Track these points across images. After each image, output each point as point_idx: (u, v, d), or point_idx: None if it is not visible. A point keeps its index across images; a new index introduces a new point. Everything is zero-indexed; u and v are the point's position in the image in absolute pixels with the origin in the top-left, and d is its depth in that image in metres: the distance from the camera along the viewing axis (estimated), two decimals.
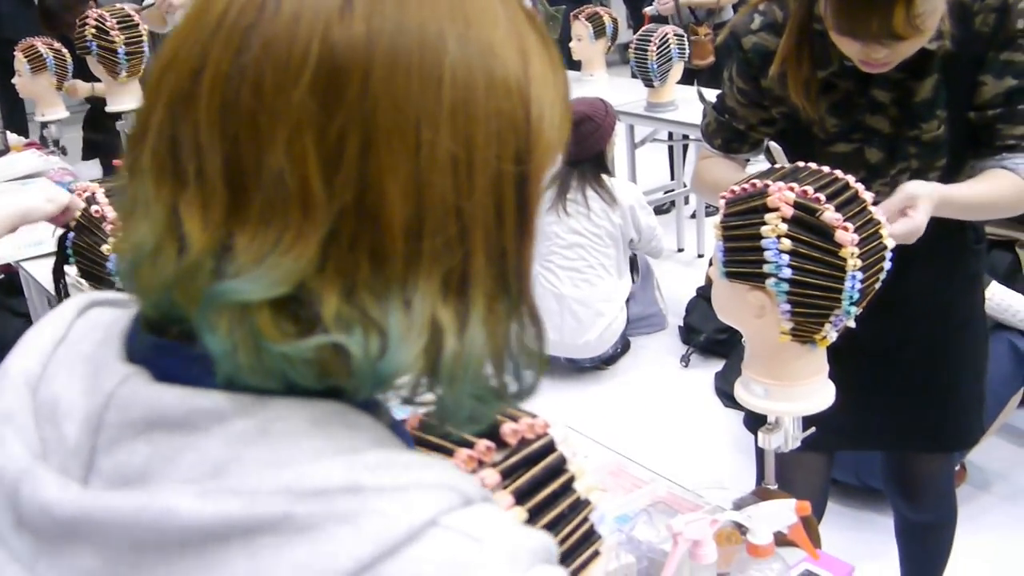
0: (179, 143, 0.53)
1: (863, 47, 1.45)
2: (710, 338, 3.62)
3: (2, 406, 0.58)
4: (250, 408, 0.53)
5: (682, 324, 3.82)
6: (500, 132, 0.54)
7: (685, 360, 3.67)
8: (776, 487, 1.49)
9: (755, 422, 1.59)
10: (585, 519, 0.80)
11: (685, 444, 3.09)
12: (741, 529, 1.31)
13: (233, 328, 0.51)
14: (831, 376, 1.42)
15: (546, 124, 0.56)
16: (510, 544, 0.51)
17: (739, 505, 1.42)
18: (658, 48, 3.98)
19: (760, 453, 1.56)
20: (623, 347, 3.70)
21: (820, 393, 1.41)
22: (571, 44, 4.79)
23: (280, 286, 0.51)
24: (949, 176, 1.58)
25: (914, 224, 1.43)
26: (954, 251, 1.73)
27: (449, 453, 0.80)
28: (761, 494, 1.46)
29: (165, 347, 0.55)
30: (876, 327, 1.44)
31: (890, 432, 1.83)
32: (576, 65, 4.86)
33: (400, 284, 0.52)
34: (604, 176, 3.51)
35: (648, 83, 4.10)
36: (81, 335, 0.61)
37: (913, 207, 1.44)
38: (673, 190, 4.89)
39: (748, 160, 1.83)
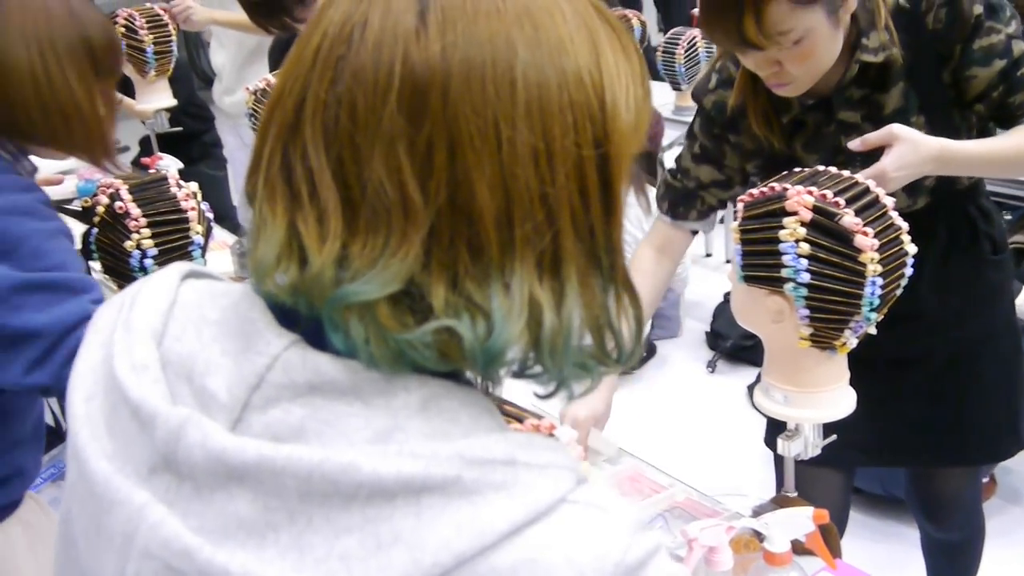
0: (291, 168, 0.60)
1: (751, 60, 1.49)
2: (737, 344, 3.60)
3: (137, 357, 0.63)
4: (410, 385, 0.59)
5: (708, 329, 3.80)
6: (576, 121, 0.59)
7: (711, 366, 3.65)
8: (795, 495, 1.47)
9: (774, 433, 1.57)
10: None
11: (708, 450, 3.07)
12: (759, 537, 1.30)
13: (359, 324, 0.57)
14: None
15: (621, 108, 0.61)
16: (626, 512, 0.59)
17: (758, 513, 1.40)
18: (686, 51, 3.96)
19: (780, 461, 1.55)
20: (648, 351, 3.68)
21: (841, 400, 1.39)
22: None
23: (393, 284, 0.57)
24: (947, 176, 1.57)
25: (878, 168, 1.42)
26: (967, 263, 1.70)
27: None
28: (780, 502, 1.45)
29: (322, 326, 0.60)
30: (894, 338, 1.42)
31: (912, 447, 1.80)
32: None
33: (498, 270, 0.58)
34: (650, 186, 3.47)
35: (676, 86, 4.08)
36: (196, 300, 0.67)
37: (889, 149, 1.44)
38: None
39: (694, 233, 1.84)
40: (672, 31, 4.15)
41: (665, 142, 4.54)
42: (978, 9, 1.50)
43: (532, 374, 0.63)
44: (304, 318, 0.60)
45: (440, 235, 0.58)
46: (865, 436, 1.71)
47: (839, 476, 1.84)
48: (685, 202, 1.79)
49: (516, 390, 1.09)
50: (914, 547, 2.10)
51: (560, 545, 0.56)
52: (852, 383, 1.40)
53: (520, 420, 0.83)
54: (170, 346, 0.65)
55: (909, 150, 1.44)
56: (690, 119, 4.18)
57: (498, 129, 0.58)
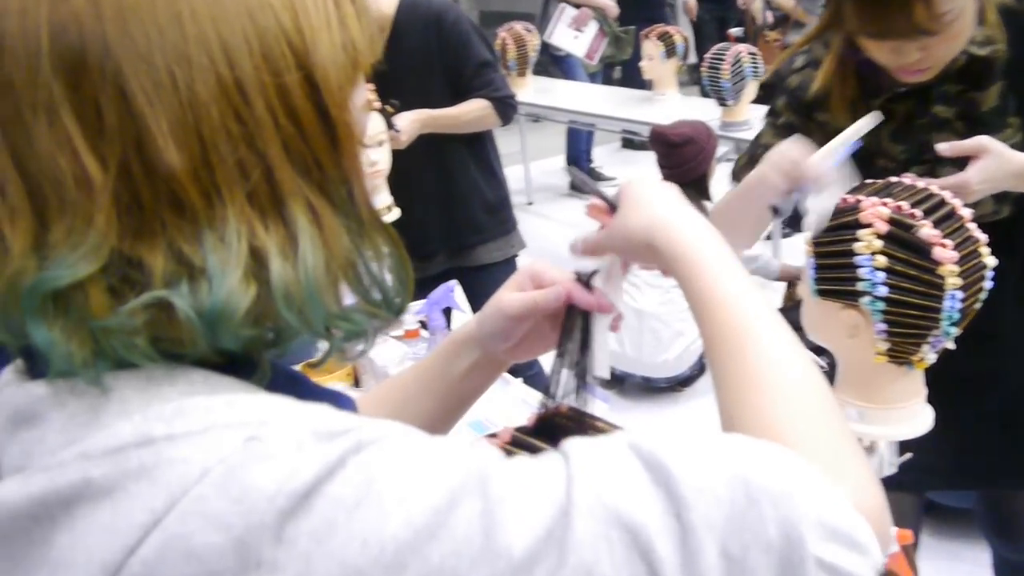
0: None
1: (893, 51, 1.42)
2: None
3: None
4: (81, 388, 0.54)
5: None
6: (265, 46, 0.55)
7: None
8: None
9: None
10: None
11: None
12: None
13: (58, 315, 0.52)
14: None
15: (322, 28, 0.57)
16: (296, 434, 0.52)
17: None
18: (732, 67, 3.93)
19: None
20: (701, 368, 3.64)
21: (917, 417, 1.35)
22: (641, 64, 4.76)
23: (88, 261, 0.52)
24: None
25: (962, 179, 1.38)
26: None
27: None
28: None
29: (28, 351, 0.56)
30: (971, 355, 1.38)
31: (987, 470, 1.74)
32: (647, 84, 4.83)
33: (208, 221, 0.54)
34: (704, 202, 3.43)
35: (722, 102, 4.05)
36: None
37: (976, 160, 1.39)
38: None
39: (775, 212, 1.78)
40: (717, 47, 4.13)
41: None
42: None
43: (287, 337, 0.57)
44: (27, 348, 0.55)
45: (133, 197, 0.53)
46: (938, 458, 1.66)
47: (911, 500, 1.79)
48: None
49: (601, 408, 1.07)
50: (984, 568, 2.05)
51: (201, 505, 0.49)
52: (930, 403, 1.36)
53: (604, 433, 0.81)
54: None
55: (996, 164, 1.41)
56: (738, 134, 4.17)
57: (171, 72, 0.53)
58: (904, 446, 1.39)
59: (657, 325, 3.42)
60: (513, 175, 6.25)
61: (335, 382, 1.94)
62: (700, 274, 0.73)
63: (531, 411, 0.90)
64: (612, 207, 0.86)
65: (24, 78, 0.53)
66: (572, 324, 0.89)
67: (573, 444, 0.58)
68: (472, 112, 2.54)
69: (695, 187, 3.43)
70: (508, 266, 2.76)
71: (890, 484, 1.44)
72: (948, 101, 1.52)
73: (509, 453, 0.82)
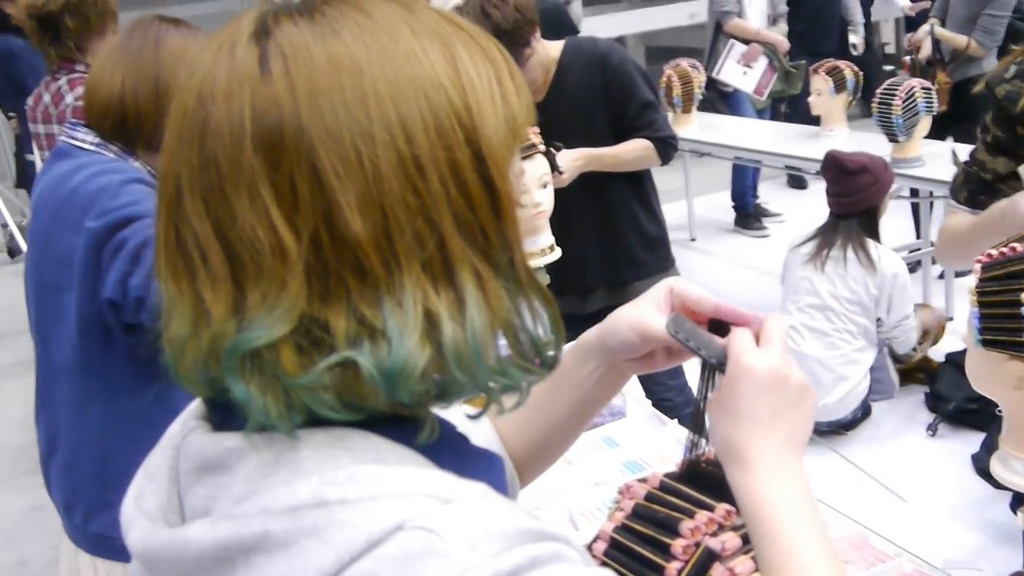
0: (183, 240, 0.61)
1: None
2: (960, 407, 3.40)
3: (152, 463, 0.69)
4: (269, 443, 0.60)
5: (928, 391, 3.61)
6: (441, 125, 0.60)
7: (932, 429, 3.46)
8: None
9: (1019, 502, 1.48)
10: None
11: (932, 519, 2.91)
12: None
13: (254, 373, 0.57)
14: None
15: (487, 106, 0.62)
16: (470, 531, 0.55)
17: None
18: (904, 102, 3.83)
19: None
20: (864, 412, 3.54)
21: None
22: (810, 99, 4.68)
23: (282, 323, 0.58)
24: None
25: None
26: None
27: (689, 515, 0.81)
28: None
29: (217, 404, 0.63)
30: None
31: None
32: (816, 120, 4.75)
33: (388, 288, 0.59)
34: (869, 240, 3.36)
35: (892, 138, 3.95)
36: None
37: None
38: (919, 248, 4.66)
39: None
40: (889, 82, 4.03)
41: None
42: None
43: (452, 392, 0.61)
44: (216, 400, 0.62)
45: (322, 266, 0.58)
46: None
47: None
48: (984, 191, 1.72)
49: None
50: None
51: None
52: None
53: (711, 508, 0.83)
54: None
55: None
56: (908, 171, 4.05)
57: (357, 149, 0.58)
58: None
59: (818, 369, 3.35)
60: (677, 211, 6.27)
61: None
62: (772, 536, 0.74)
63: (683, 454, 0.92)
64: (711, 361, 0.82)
65: (228, 157, 0.59)
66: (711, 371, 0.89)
67: None
68: (633, 151, 2.58)
69: (864, 221, 3.35)
70: None
71: None
72: None
73: (657, 500, 0.85)
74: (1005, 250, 1.27)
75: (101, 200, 1.53)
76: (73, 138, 1.64)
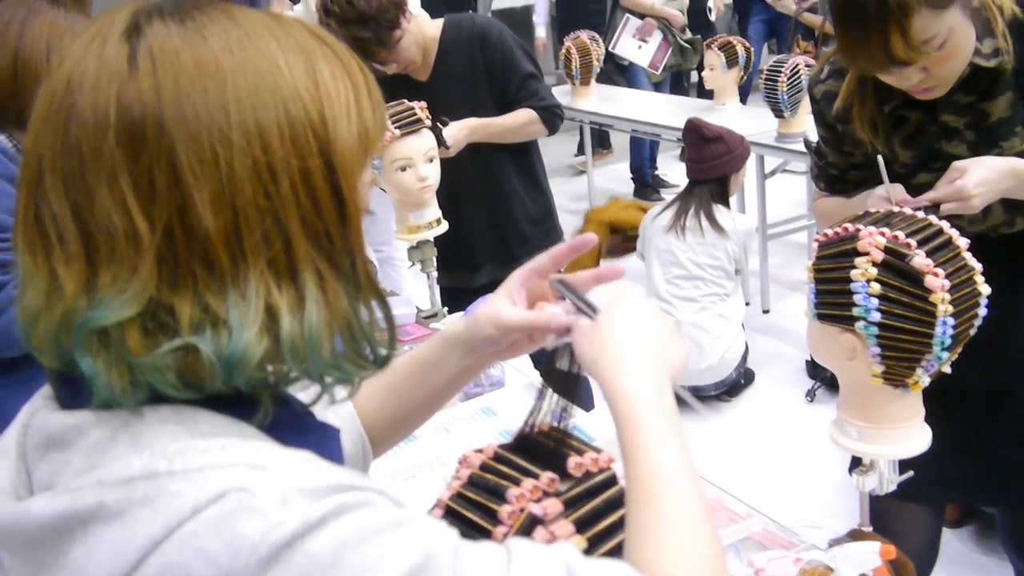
0: (42, 218, 0.65)
1: (896, 75, 1.48)
2: None
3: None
4: (107, 419, 0.63)
5: (809, 358, 3.77)
6: (296, 135, 0.65)
7: (811, 395, 3.63)
8: (871, 530, 1.49)
9: (855, 465, 1.59)
10: None
11: (797, 482, 3.06)
12: (830, 570, 1.33)
13: (101, 350, 0.62)
14: (933, 424, 1.41)
15: (343, 120, 0.67)
16: (282, 488, 0.60)
17: (833, 546, 1.43)
18: (789, 79, 3.96)
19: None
20: (746, 377, 3.68)
21: (915, 437, 1.40)
22: (703, 73, 4.80)
23: (129, 306, 0.62)
24: None
25: (957, 187, 1.44)
26: None
27: (515, 482, 0.87)
28: (855, 536, 1.47)
29: (61, 380, 0.67)
30: (979, 375, 1.43)
31: (1001, 487, 1.78)
32: (709, 94, 4.87)
33: (233, 281, 0.63)
34: (719, 205, 3.51)
35: (778, 114, 4.08)
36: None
37: (960, 176, 1.45)
38: (803, 219, 4.83)
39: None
40: (775, 59, 4.16)
41: (767, 168, 4.55)
42: None
43: (289, 380, 0.67)
44: (64, 374, 0.66)
45: (173, 255, 0.62)
46: (954, 473, 1.70)
47: (925, 513, 1.83)
48: (837, 182, 1.83)
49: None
50: None
51: (198, 541, 0.58)
52: (938, 418, 1.41)
53: (580, 453, 0.90)
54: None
55: (982, 169, 1.47)
56: (793, 145, 4.20)
57: (215, 151, 0.62)
58: (912, 463, 1.44)
59: (695, 332, 3.48)
60: (578, 183, 6.34)
61: None
62: (630, 425, 0.79)
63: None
64: (590, 314, 0.89)
65: (91, 146, 0.63)
66: (562, 352, 0.95)
67: (519, 545, 0.66)
68: (519, 120, 2.63)
69: (714, 188, 3.50)
70: None
71: (905, 495, 1.50)
72: (957, 111, 1.57)
73: (489, 469, 0.91)
74: (839, 230, 1.36)
75: None
76: None
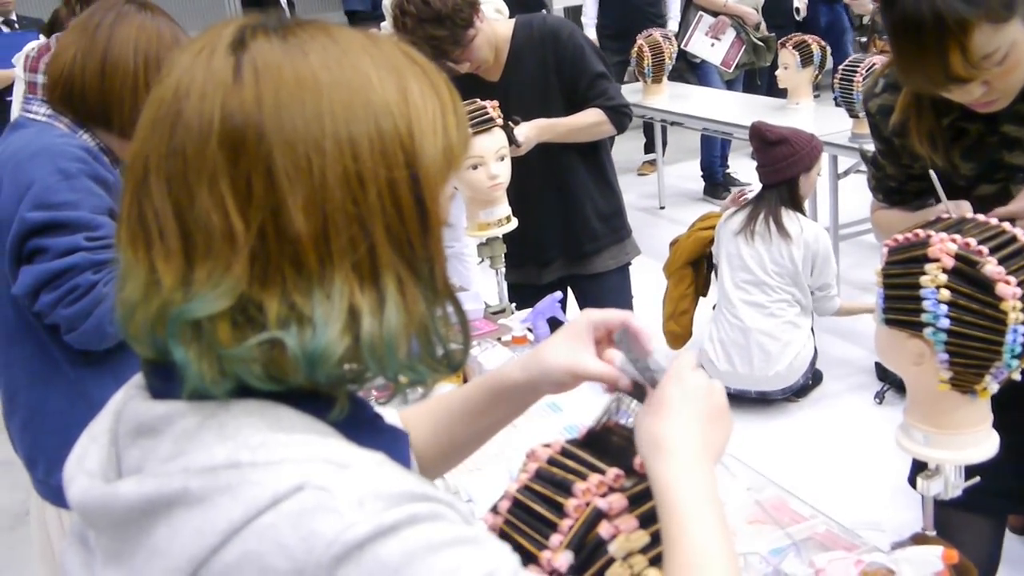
0: (144, 216, 0.69)
1: (956, 91, 1.45)
2: None
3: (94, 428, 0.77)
4: (195, 410, 0.68)
5: (878, 360, 3.73)
6: (385, 147, 0.69)
7: (879, 397, 3.59)
8: (934, 534, 1.49)
9: (917, 472, 1.59)
10: None
11: (864, 484, 3.03)
12: (891, 573, 1.33)
13: (193, 340, 0.66)
14: (999, 434, 1.40)
15: (428, 135, 0.71)
16: (359, 491, 0.63)
17: (896, 549, 1.43)
18: (864, 79, 3.91)
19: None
20: (815, 378, 3.65)
21: (982, 443, 1.40)
22: (777, 72, 4.76)
23: (222, 300, 0.66)
24: None
25: None
26: None
27: (582, 477, 0.90)
28: (918, 540, 1.47)
29: (154, 370, 0.72)
30: None
31: None
32: (783, 93, 4.83)
33: (319, 281, 0.67)
34: (789, 209, 3.47)
35: (853, 114, 4.03)
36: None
37: None
38: None
39: (922, 205, 1.82)
40: (851, 58, 4.11)
41: (841, 168, 4.50)
42: None
43: (365, 379, 0.70)
44: (157, 364, 0.70)
45: (265, 254, 0.66)
46: (1014, 484, 1.69)
47: (988, 523, 1.82)
48: (896, 193, 1.81)
49: None
50: None
51: (276, 533, 0.62)
52: (1005, 429, 1.40)
53: (603, 472, 0.92)
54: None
55: None
56: (868, 145, 4.13)
57: (309, 159, 0.66)
58: (977, 471, 1.43)
59: (763, 339, 3.46)
60: (648, 179, 6.33)
61: (446, 383, 2.09)
62: (674, 515, 0.83)
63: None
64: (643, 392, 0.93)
65: (195, 149, 0.67)
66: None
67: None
68: (587, 120, 2.65)
69: (784, 191, 3.46)
70: (622, 273, 2.86)
71: (967, 506, 1.49)
72: (1019, 120, 1.55)
73: (557, 463, 0.94)
74: (909, 235, 1.36)
75: (41, 187, 1.59)
76: (27, 111, 1.70)
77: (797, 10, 6.16)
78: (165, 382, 0.71)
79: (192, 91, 0.68)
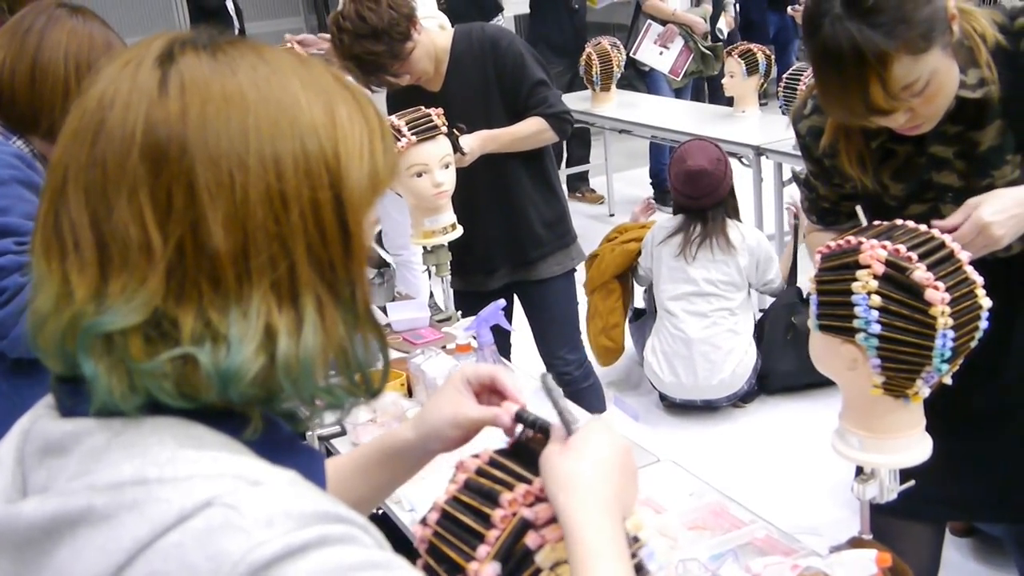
0: (60, 226, 0.68)
1: (886, 120, 1.47)
2: None
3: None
4: (104, 428, 0.66)
5: None
6: (310, 168, 0.68)
7: None
8: (871, 538, 1.50)
9: (858, 474, 1.60)
10: (632, 555, 0.88)
11: (805, 489, 3.06)
12: None
13: (104, 354, 0.64)
14: (934, 442, 1.41)
15: (355, 159, 0.71)
16: (269, 509, 0.62)
17: (833, 553, 1.45)
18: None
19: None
20: (758, 382, 3.69)
21: (915, 447, 1.42)
22: (723, 80, 4.80)
23: (136, 314, 0.65)
24: None
25: (974, 221, 1.43)
26: None
27: (509, 487, 0.90)
28: (855, 543, 1.48)
29: (64, 387, 0.70)
30: (979, 394, 1.43)
31: (1003, 504, 1.78)
32: (730, 101, 4.88)
33: (237, 298, 0.66)
34: (729, 220, 3.52)
35: None
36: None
37: (975, 210, 1.45)
38: None
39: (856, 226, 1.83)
40: (794, 67, 4.16)
41: (786, 176, 4.54)
42: None
43: (282, 400, 0.69)
44: (67, 380, 0.68)
45: (182, 269, 0.65)
46: (955, 491, 1.71)
47: (927, 530, 1.84)
48: (829, 214, 1.82)
49: None
50: None
51: (182, 552, 0.60)
52: (939, 434, 1.42)
53: (530, 482, 0.92)
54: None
55: (996, 199, 1.46)
56: (800, 167, 4.18)
57: (232, 175, 0.65)
58: (911, 476, 1.45)
59: (706, 348, 3.49)
60: (596, 186, 6.34)
61: (390, 392, 2.07)
62: (585, 553, 0.83)
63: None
64: (568, 432, 0.92)
65: (116, 160, 0.66)
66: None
67: None
68: (529, 128, 2.66)
69: (721, 208, 3.51)
70: (567, 279, 2.87)
71: (906, 514, 1.50)
72: (946, 141, 1.57)
73: (485, 474, 0.93)
74: (841, 242, 1.38)
75: None
76: None
77: (720, 31, 6.10)
78: (74, 399, 0.69)
79: (116, 102, 0.67)
